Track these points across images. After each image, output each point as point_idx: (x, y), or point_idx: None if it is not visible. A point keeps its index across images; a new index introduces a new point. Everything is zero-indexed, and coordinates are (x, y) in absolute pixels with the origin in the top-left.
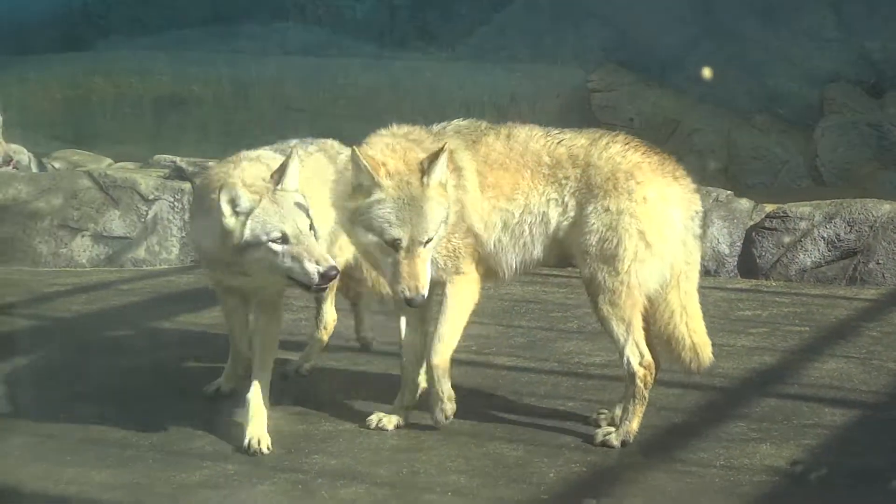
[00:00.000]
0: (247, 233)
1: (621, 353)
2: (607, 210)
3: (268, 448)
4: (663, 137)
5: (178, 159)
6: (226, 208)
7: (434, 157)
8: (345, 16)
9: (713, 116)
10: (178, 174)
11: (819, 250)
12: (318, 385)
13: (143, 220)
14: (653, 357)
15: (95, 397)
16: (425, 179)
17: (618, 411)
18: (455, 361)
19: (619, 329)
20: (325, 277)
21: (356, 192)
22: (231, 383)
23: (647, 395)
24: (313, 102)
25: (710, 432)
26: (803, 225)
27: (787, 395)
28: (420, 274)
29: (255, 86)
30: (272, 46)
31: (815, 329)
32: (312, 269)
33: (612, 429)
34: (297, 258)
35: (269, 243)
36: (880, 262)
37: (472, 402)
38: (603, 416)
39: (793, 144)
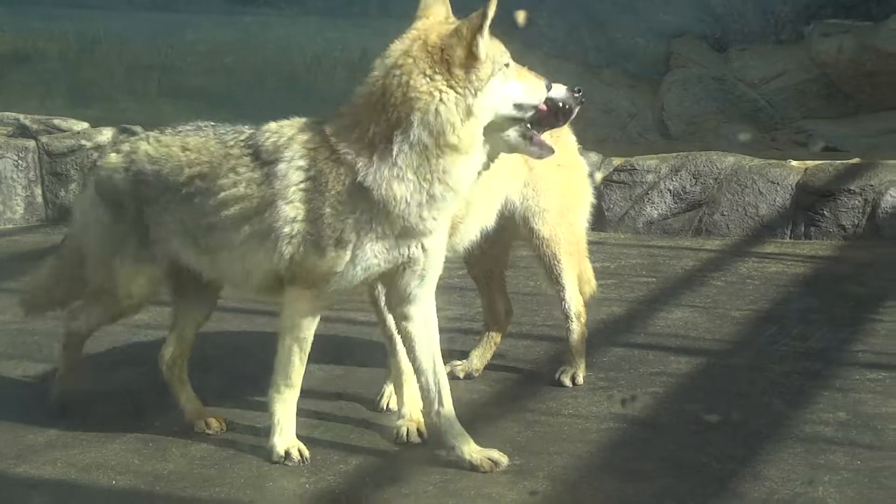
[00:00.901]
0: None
1: (568, 300)
2: (560, 165)
3: None
4: None
5: (21, 116)
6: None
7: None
8: None
9: (562, 70)
10: (23, 132)
11: (665, 202)
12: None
13: None
14: (508, 308)
15: None
16: None
17: (476, 363)
18: None
19: (570, 277)
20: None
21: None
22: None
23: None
24: (161, 59)
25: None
26: (650, 178)
27: (635, 345)
28: None
29: (102, 42)
30: (118, 2)
31: (662, 280)
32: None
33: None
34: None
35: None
36: (725, 213)
37: (327, 356)
38: (459, 367)
39: (640, 98)
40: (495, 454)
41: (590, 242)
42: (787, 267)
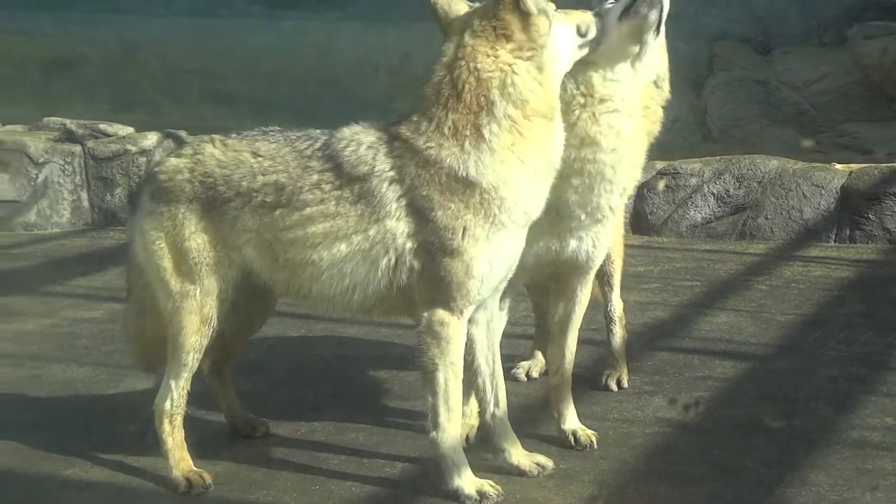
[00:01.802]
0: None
1: (614, 302)
2: None
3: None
4: None
5: (68, 122)
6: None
7: None
8: None
9: None
10: (68, 137)
11: (709, 206)
12: None
13: (33, 183)
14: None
15: None
16: None
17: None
18: (346, 321)
19: (617, 280)
20: None
21: None
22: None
23: None
24: (202, 63)
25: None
26: (693, 181)
27: (679, 349)
28: None
29: (143, 47)
30: (157, 7)
31: (706, 283)
32: None
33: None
34: None
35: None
36: (768, 217)
37: (371, 360)
38: (527, 366)
39: (683, 101)
40: (542, 458)
41: (633, 246)
42: (832, 271)
